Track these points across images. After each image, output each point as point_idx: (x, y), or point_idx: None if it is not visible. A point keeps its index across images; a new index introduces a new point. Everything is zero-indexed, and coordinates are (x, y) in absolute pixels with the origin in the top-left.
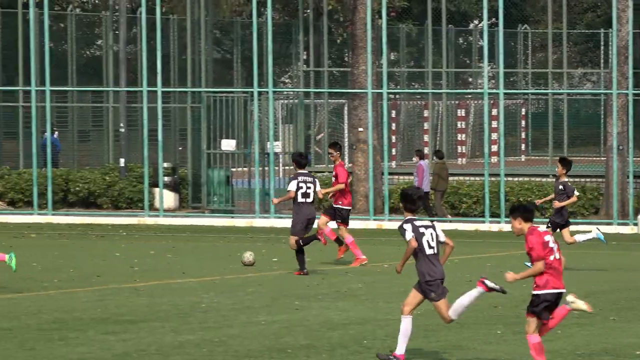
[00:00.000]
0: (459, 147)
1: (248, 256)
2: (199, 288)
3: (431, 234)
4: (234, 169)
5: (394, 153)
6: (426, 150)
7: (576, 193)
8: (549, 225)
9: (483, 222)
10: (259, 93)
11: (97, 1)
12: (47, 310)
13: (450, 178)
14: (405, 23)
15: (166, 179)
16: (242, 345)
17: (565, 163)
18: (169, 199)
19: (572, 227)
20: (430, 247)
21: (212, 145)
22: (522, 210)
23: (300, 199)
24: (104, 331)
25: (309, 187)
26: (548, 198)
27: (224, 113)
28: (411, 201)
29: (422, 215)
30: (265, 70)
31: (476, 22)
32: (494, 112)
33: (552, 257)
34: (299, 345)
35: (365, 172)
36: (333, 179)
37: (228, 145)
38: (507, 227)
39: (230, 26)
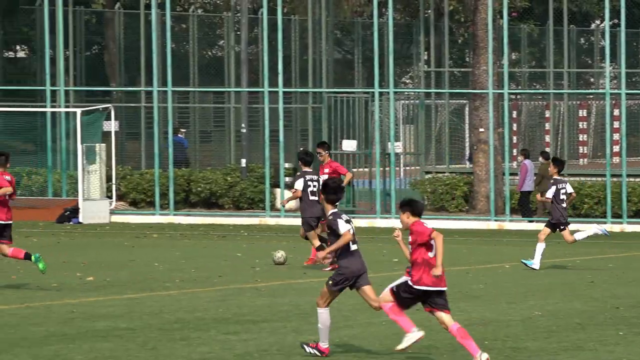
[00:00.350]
0: (581, 148)
1: (279, 255)
2: (320, 288)
3: (353, 228)
4: (355, 170)
5: (514, 153)
6: (547, 150)
7: (548, 195)
8: (561, 230)
9: (605, 222)
10: (380, 93)
11: (218, 2)
12: (169, 310)
13: (572, 179)
14: (526, 23)
15: (287, 179)
16: (363, 346)
17: (557, 162)
18: None
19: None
20: (353, 242)
21: (333, 146)
22: (411, 205)
23: (311, 197)
24: (225, 331)
25: (315, 186)
26: (569, 200)
27: (345, 113)
28: (333, 192)
29: (516, 215)
30: (386, 70)
31: (598, 22)
32: (616, 112)
33: (430, 254)
34: (419, 346)
35: (486, 173)
36: (326, 177)
37: (349, 145)
38: (629, 228)
39: (351, 26)
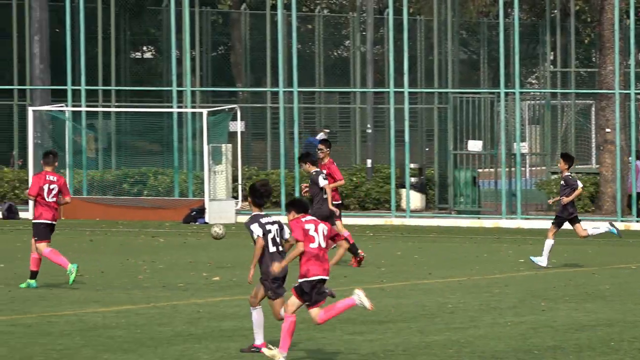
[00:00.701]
0: None
1: (217, 229)
2: (445, 289)
3: (276, 230)
4: (480, 170)
5: None
6: None
7: (580, 185)
8: (554, 222)
9: None
10: (506, 94)
11: (344, 2)
12: None
13: None
14: None
15: (413, 179)
16: (489, 346)
17: (567, 158)
18: (415, 199)
19: None
20: (274, 244)
21: (459, 146)
22: (296, 204)
23: (324, 196)
24: (350, 331)
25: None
26: (557, 198)
27: (471, 114)
28: (258, 195)
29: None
30: (512, 71)
31: None
32: None
33: (312, 245)
34: (545, 347)
35: (612, 173)
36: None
37: (475, 146)
38: None
39: (477, 27)
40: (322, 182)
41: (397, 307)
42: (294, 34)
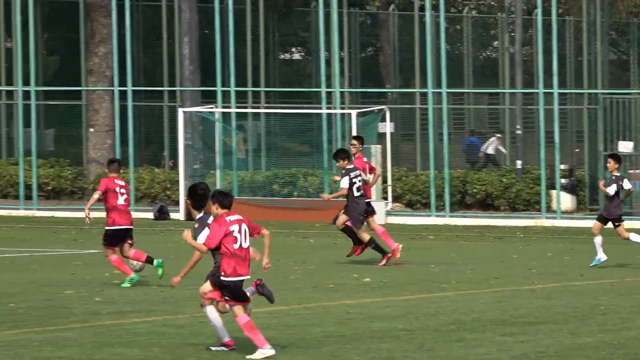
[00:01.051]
0: None
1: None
2: (597, 290)
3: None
4: (631, 171)
5: None
6: None
7: (609, 190)
8: (599, 218)
9: None
10: None
11: (493, 3)
12: (445, 312)
13: None
14: None
15: (563, 180)
16: None
17: (616, 159)
18: (566, 200)
19: None
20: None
21: (609, 147)
22: (219, 197)
23: (356, 193)
24: (501, 333)
25: (360, 181)
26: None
27: (621, 115)
28: (199, 199)
29: None
30: None
31: None
32: None
33: (235, 246)
34: None
35: None
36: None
37: (625, 147)
38: None
39: (627, 27)
40: (343, 183)
41: (548, 309)
42: (442, 35)
